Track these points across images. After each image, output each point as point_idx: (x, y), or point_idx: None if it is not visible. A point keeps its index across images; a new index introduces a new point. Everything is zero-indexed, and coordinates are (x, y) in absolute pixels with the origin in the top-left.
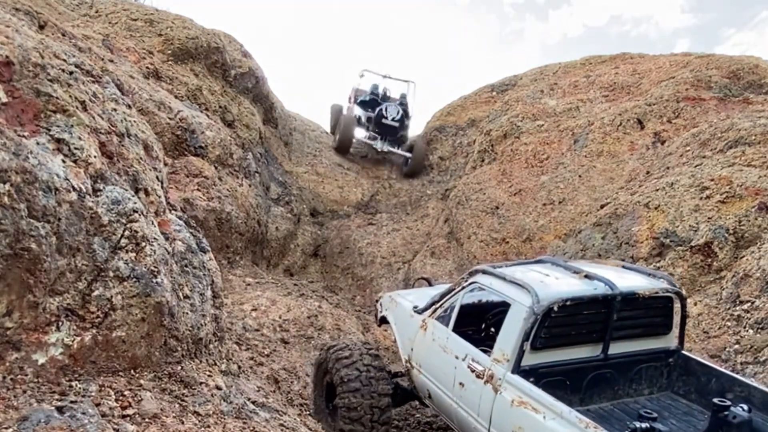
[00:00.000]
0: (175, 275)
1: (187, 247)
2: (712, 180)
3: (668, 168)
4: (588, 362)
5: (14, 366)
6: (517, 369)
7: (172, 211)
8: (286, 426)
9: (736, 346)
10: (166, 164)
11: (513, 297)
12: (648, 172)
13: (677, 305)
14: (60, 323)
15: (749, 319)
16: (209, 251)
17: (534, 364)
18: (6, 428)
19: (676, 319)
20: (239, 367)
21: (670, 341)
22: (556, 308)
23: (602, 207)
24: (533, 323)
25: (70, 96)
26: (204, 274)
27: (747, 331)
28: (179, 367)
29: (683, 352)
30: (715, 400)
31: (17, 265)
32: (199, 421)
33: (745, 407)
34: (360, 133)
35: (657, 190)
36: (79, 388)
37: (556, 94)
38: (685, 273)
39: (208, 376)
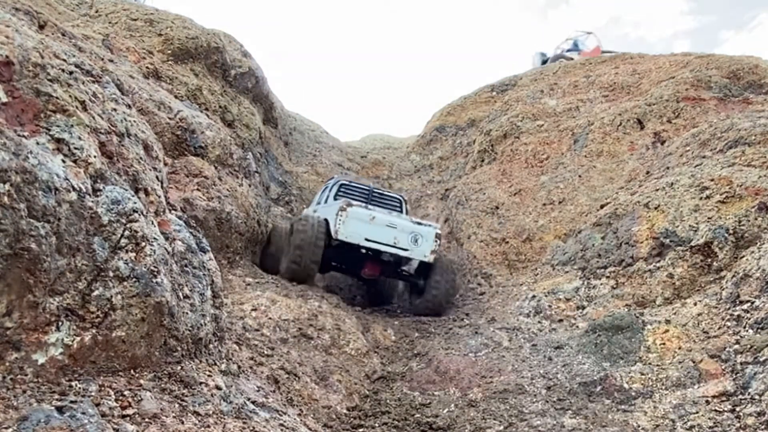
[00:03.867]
0: (175, 275)
1: (187, 247)
2: (712, 180)
3: (668, 168)
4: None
5: (14, 366)
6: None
7: (172, 211)
8: (286, 426)
9: (736, 346)
10: (166, 164)
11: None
12: (648, 172)
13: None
14: (60, 323)
15: (749, 319)
16: (209, 251)
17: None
18: (6, 428)
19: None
20: (239, 367)
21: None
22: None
23: (602, 207)
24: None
25: (70, 96)
26: (204, 274)
27: (747, 331)
28: (179, 367)
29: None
30: None
31: (17, 265)
32: (199, 421)
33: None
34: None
35: (657, 190)
36: (79, 388)
37: (556, 94)
38: (685, 273)
39: (208, 376)
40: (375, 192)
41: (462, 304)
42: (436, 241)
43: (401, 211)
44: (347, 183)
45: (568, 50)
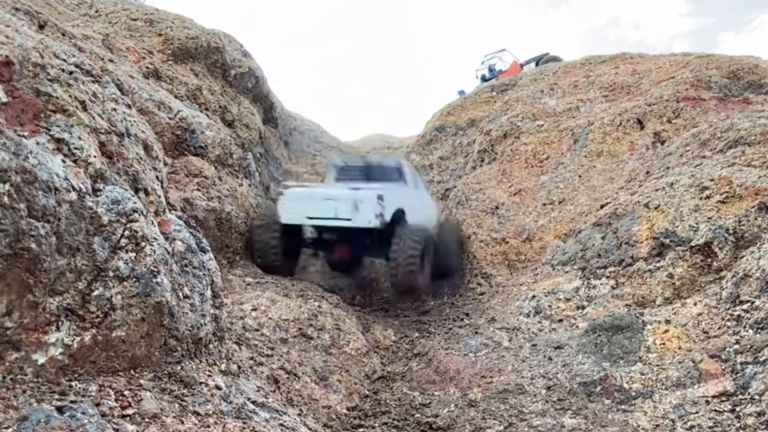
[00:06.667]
0: (175, 275)
1: (187, 247)
2: (712, 180)
3: (668, 168)
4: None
5: (14, 366)
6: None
7: (172, 211)
8: (286, 426)
9: (736, 346)
10: (166, 164)
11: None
12: (648, 172)
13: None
14: (60, 323)
15: (749, 319)
16: (209, 251)
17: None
18: (6, 428)
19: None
20: (239, 367)
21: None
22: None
23: (602, 207)
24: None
25: (70, 96)
26: (204, 274)
27: (747, 331)
28: (179, 367)
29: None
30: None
31: (17, 265)
32: (199, 421)
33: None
34: None
35: (657, 190)
36: (79, 388)
37: (556, 94)
38: (685, 273)
39: (208, 376)
40: (371, 165)
41: (462, 304)
42: (379, 204)
43: (400, 179)
44: (344, 164)
45: (485, 79)
